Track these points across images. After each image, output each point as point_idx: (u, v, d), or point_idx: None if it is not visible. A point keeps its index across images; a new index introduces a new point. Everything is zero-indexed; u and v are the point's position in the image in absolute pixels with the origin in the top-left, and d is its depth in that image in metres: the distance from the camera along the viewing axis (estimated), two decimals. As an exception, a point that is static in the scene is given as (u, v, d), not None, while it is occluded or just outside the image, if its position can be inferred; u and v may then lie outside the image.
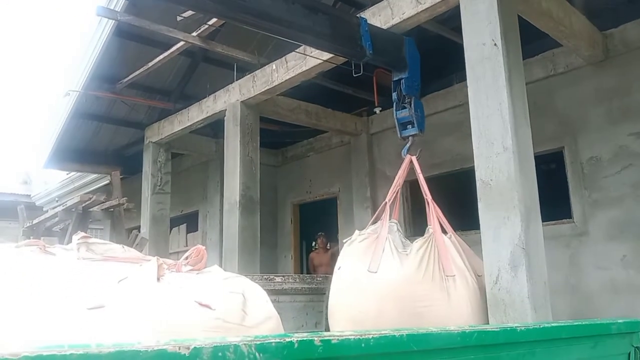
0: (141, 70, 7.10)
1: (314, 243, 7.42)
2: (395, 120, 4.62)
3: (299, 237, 9.72)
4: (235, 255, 6.27)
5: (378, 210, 4.29)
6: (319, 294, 4.29)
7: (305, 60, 5.73)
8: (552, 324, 1.97)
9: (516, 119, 3.78)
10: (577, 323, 2.17)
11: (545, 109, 6.03)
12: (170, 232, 9.14)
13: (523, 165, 3.71)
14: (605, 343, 2.23)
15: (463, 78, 4.23)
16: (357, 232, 4.22)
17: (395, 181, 4.38)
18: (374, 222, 4.21)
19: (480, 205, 3.82)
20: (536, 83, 6.02)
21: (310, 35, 3.94)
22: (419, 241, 3.91)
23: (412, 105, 4.45)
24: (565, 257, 5.69)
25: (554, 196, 5.83)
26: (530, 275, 3.42)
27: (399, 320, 3.52)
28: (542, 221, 3.90)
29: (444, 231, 3.96)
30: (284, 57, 6.09)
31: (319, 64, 5.51)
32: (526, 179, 3.71)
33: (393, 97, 4.61)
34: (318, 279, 4.64)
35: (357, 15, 4.32)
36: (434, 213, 4.07)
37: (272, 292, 3.77)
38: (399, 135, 4.65)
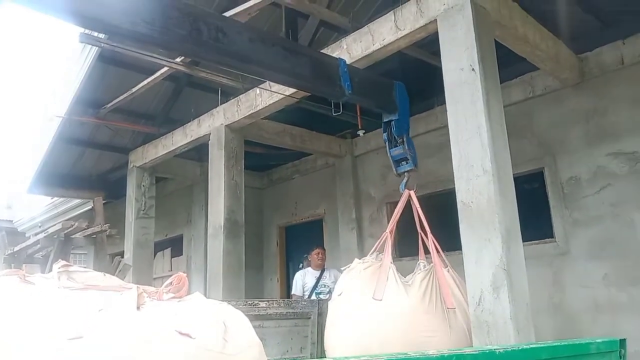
0: (125, 95, 7.11)
1: (302, 263, 7.34)
2: (390, 158, 4.78)
3: (285, 259, 9.69)
4: (220, 279, 6.23)
5: (380, 240, 4.37)
6: (304, 318, 4.28)
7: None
8: (532, 346, 2.00)
9: (495, 141, 3.86)
10: (556, 344, 2.20)
11: (525, 131, 6.14)
12: (154, 256, 9.07)
13: (503, 187, 3.77)
14: (585, 363, 2.26)
15: (444, 101, 4.32)
16: (356, 260, 4.30)
17: (395, 214, 4.50)
18: (374, 252, 4.30)
19: (461, 227, 3.87)
20: (515, 105, 6.15)
21: (289, 76, 4.01)
22: (421, 273, 4.04)
23: (405, 142, 4.60)
24: (548, 276, 5.75)
25: (536, 216, 5.91)
26: (512, 296, 3.45)
27: (402, 348, 3.55)
28: (524, 241, 3.96)
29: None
30: (267, 82, 6.15)
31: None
32: (506, 200, 3.77)
33: (384, 137, 4.79)
34: (303, 303, 4.63)
35: (337, 57, 4.43)
36: (433, 247, 4.21)
37: (256, 318, 3.77)
38: (395, 172, 4.82)
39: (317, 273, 6.61)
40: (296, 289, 6.57)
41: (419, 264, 4.24)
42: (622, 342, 2.42)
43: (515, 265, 3.61)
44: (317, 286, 6.49)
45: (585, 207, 5.64)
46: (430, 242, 4.24)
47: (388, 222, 7.74)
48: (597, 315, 5.35)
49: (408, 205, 4.54)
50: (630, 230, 5.27)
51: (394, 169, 4.79)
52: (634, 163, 5.35)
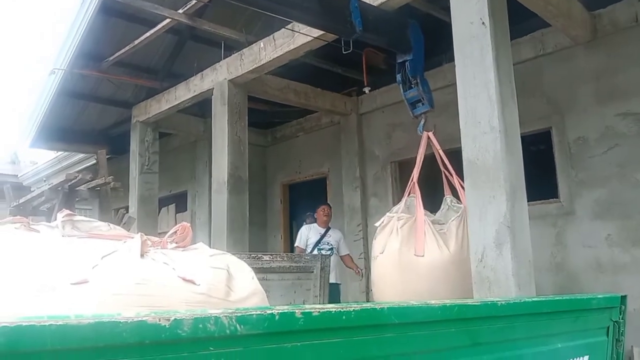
0: (127, 48, 7.00)
1: (305, 221, 7.38)
2: (405, 101, 4.71)
3: (289, 216, 9.74)
4: (224, 234, 6.28)
5: (407, 190, 4.43)
6: (307, 272, 4.32)
7: (294, 38, 5.67)
8: (533, 299, 2.01)
9: (503, 98, 3.78)
10: (557, 298, 2.21)
11: (534, 89, 6.04)
12: (159, 212, 9.12)
13: (509, 145, 3.72)
14: (586, 318, 2.28)
15: (452, 58, 4.22)
16: (387, 215, 4.36)
17: (418, 160, 4.49)
18: (403, 199, 4.38)
19: (466, 184, 3.85)
20: (525, 63, 6.03)
21: (297, 11, 3.89)
22: (455, 220, 4.13)
23: (420, 84, 4.51)
24: (552, 236, 5.76)
25: (541, 176, 5.88)
26: (515, 253, 3.46)
27: (451, 297, 3.65)
28: (529, 201, 3.94)
29: None
30: (272, 35, 6.03)
31: (308, 41, 5.46)
32: (512, 158, 3.73)
33: (397, 79, 4.69)
34: (306, 257, 4.67)
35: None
36: (460, 188, 4.26)
37: (260, 271, 3.80)
38: (411, 114, 4.76)
39: (322, 230, 6.72)
40: (300, 242, 6.70)
41: (445, 199, 4.34)
42: (623, 298, 2.43)
43: (519, 223, 3.60)
44: (319, 242, 6.59)
45: (591, 168, 5.59)
46: (457, 182, 4.28)
47: (392, 181, 7.79)
48: (599, 274, 5.39)
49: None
50: (636, 191, 5.24)
51: (410, 112, 4.74)
52: (643, 123, 5.27)
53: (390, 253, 4.12)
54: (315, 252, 6.40)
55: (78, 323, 0.96)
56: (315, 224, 6.82)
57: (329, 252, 6.25)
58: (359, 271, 6.84)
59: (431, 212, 4.43)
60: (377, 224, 4.41)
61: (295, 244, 6.79)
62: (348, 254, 6.85)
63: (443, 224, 4.23)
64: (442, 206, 4.52)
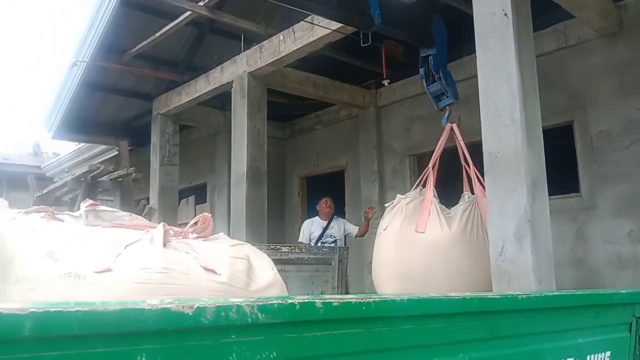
0: (148, 40, 7.07)
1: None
2: (429, 95, 4.74)
3: (307, 209, 9.77)
4: (243, 226, 6.33)
5: (422, 175, 4.53)
6: (325, 264, 4.34)
7: (313, 31, 5.67)
8: (554, 293, 1.99)
9: (525, 90, 3.74)
10: (579, 292, 2.19)
11: (556, 82, 5.95)
12: (178, 203, 9.22)
13: (531, 138, 3.68)
14: (608, 313, 2.25)
15: (473, 50, 4.18)
16: (399, 196, 4.44)
17: (437, 148, 4.57)
18: (416, 187, 4.47)
19: (486, 177, 3.82)
20: (547, 55, 5.93)
21: (315, 3, 3.89)
22: (463, 205, 4.22)
23: (442, 77, 4.52)
24: (572, 231, 5.69)
25: (562, 171, 5.80)
26: (535, 247, 3.43)
27: (445, 276, 3.84)
28: (550, 195, 3.90)
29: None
30: (291, 28, 6.03)
31: (327, 34, 5.45)
32: (533, 151, 3.69)
33: (420, 73, 4.71)
34: (324, 249, 4.69)
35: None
36: (475, 177, 4.34)
37: (278, 262, 3.82)
38: (436, 107, 4.77)
39: (324, 223, 6.53)
40: (303, 237, 6.52)
41: (463, 195, 4.37)
42: (647, 294, 2.39)
43: (539, 217, 3.56)
44: (323, 235, 6.43)
45: (614, 162, 5.50)
46: (472, 171, 4.29)
47: (411, 174, 7.76)
48: (620, 270, 5.31)
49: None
50: (659, 186, 5.15)
51: (434, 105, 4.77)
52: (668, 117, 5.17)
53: (392, 229, 4.20)
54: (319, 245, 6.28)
55: (104, 309, 0.98)
56: (317, 217, 6.63)
57: (332, 245, 6.12)
58: (368, 211, 6.65)
59: (447, 208, 4.43)
60: (386, 205, 4.44)
61: (299, 240, 6.60)
62: (358, 227, 6.66)
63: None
64: (459, 202, 4.49)
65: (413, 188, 4.50)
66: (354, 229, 6.65)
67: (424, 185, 4.39)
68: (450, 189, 4.91)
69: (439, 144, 4.53)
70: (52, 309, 0.93)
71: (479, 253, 3.91)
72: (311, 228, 6.54)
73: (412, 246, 4.04)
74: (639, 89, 5.39)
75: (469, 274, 3.85)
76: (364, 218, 6.67)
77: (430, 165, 4.45)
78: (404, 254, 4.06)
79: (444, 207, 4.33)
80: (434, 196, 4.35)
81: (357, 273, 6.97)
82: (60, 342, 0.95)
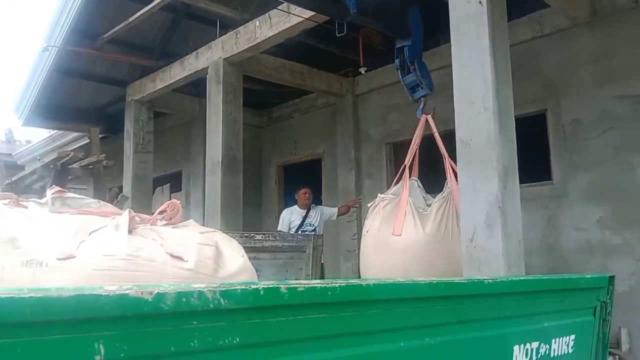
0: (122, 25, 6.93)
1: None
2: (404, 86, 4.75)
3: (284, 197, 9.75)
4: (218, 214, 6.29)
5: (398, 173, 4.59)
6: (299, 251, 4.34)
7: (289, 17, 5.61)
8: (520, 278, 2.01)
9: (498, 79, 3.76)
10: (545, 277, 2.22)
11: (530, 71, 6.00)
12: (153, 192, 9.11)
13: (503, 126, 3.72)
14: (573, 297, 2.29)
15: (450, 39, 4.19)
16: (379, 195, 4.54)
17: (412, 142, 4.62)
18: (395, 184, 4.56)
19: (459, 164, 3.85)
20: (522, 44, 5.98)
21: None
22: (438, 201, 4.29)
23: (418, 68, 4.53)
24: (544, 218, 5.78)
25: (535, 159, 5.88)
26: (505, 233, 3.47)
27: (422, 276, 3.82)
28: (523, 183, 3.96)
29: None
30: (267, 14, 5.96)
31: (303, 21, 5.41)
32: (505, 139, 3.72)
33: (396, 64, 4.71)
34: (299, 237, 4.69)
35: (341, -28, 4.22)
36: (450, 171, 4.38)
37: (252, 250, 3.81)
38: (411, 98, 4.78)
39: (304, 212, 6.69)
40: (282, 226, 6.63)
41: (447, 182, 4.43)
42: (611, 278, 2.44)
43: (510, 204, 3.61)
44: (303, 225, 6.57)
45: (585, 150, 5.59)
46: (447, 165, 4.32)
47: (387, 162, 7.79)
48: (590, 256, 5.42)
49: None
50: (628, 174, 5.25)
51: (409, 96, 4.78)
52: (639, 106, 5.25)
53: (372, 232, 4.36)
54: None
55: (59, 296, 0.96)
56: (295, 207, 6.77)
57: (312, 234, 6.22)
58: (355, 201, 6.88)
59: (432, 196, 4.49)
60: (369, 205, 4.51)
61: (278, 229, 6.67)
62: (337, 208, 6.97)
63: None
64: (444, 189, 4.54)
65: (392, 185, 4.57)
66: (334, 211, 6.91)
67: (401, 183, 4.49)
68: (436, 175, 4.96)
69: (414, 139, 4.55)
70: (3, 295, 0.91)
71: (454, 249, 3.98)
72: (291, 217, 6.64)
73: (389, 249, 4.17)
74: (612, 78, 5.47)
75: (446, 270, 3.92)
76: (347, 203, 6.91)
77: (406, 162, 4.48)
78: (383, 256, 4.21)
79: (427, 196, 4.43)
80: (418, 186, 4.48)
81: (334, 260, 7.00)
82: (13, 329, 0.92)
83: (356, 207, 6.92)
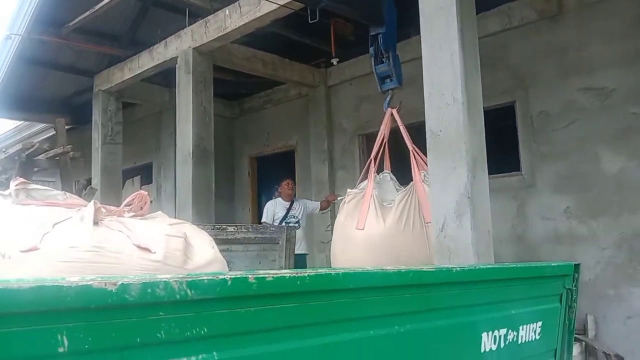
0: (88, 13, 6.75)
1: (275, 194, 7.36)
2: (375, 75, 4.75)
3: (257, 189, 9.70)
4: (189, 206, 6.22)
5: (365, 167, 4.65)
6: (272, 243, 4.33)
7: (260, 6, 5.55)
8: (488, 266, 2.05)
9: (467, 70, 3.80)
10: (512, 266, 2.26)
11: (499, 63, 6.08)
12: (123, 184, 8.95)
13: (472, 117, 3.76)
14: (540, 285, 2.35)
15: (420, 31, 4.21)
16: (348, 190, 4.63)
17: (379, 136, 4.66)
18: (363, 179, 4.63)
19: (429, 155, 3.89)
20: (492, 37, 6.05)
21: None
22: (401, 193, 4.35)
23: (391, 59, 4.54)
24: (513, 208, 5.89)
25: (505, 150, 5.97)
26: (474, 223, 3.53)
27: None
28: (492, 174, 4.02)
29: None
30: (237, 2, 5.89)
31: (274, 9, 5.36)
32: (474, 130, 3.77)
33: (370, 52, 4.73)
34: (271, 229, 4.68)
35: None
36: (414, 162, 4.38)
37: (224, 242, 3.79)
38: (379, 89, 4.79)
39: (287, 204, 6.79)
40: (267, 217, 6.69)
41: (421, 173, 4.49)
42: (576, 266, 2.51)
43: (479, 194, 3.66)
44: (286, 217, 6.63)
45: (553, 141, 5.70)
46: (412, 158, 4.36)
47: (360, 153, 7.81)
48: (557, 246, 5.55)
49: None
50: (594, 165, 5.38)
51: (378, 86, 4.79)
52: (604, 98, 5.38)
53: (337, 226, 4.51)
54: None
55: (19, 287, 0.93)
56: (279, 199, 6.87)
57: (295, 226, 6.29)
58: (334, 197, 6.99)
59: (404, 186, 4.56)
60: (339, 198, 4.65)
61: (262, 220, 6.76)
62: (319, 202, 7.09)
63: None
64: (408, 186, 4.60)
65: (359, 181, 4.65)
66: (316, 205, 7.04)
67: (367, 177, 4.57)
68: (405, 167, 5.00)
69: (380, 133, 4.60)
70: (-38, 287, 0.88)
71: (417, 241, 4.07)
72: (275, 209, 6.71)
73: (353, 242, 4.27)
74: (578, 71, 5.58)
75: (408, 263, 3.95)
76: (327, 198, 7.12)
77: (372, 155, 4.55)
78: (348, 250, 4.31)
79: (401, 189, 4.47)
80: (391, 179, 4.55)
81: (308, 251, 7.00)
82: (-29, 322, 0.90)
83: (335, 202, 7.02)
